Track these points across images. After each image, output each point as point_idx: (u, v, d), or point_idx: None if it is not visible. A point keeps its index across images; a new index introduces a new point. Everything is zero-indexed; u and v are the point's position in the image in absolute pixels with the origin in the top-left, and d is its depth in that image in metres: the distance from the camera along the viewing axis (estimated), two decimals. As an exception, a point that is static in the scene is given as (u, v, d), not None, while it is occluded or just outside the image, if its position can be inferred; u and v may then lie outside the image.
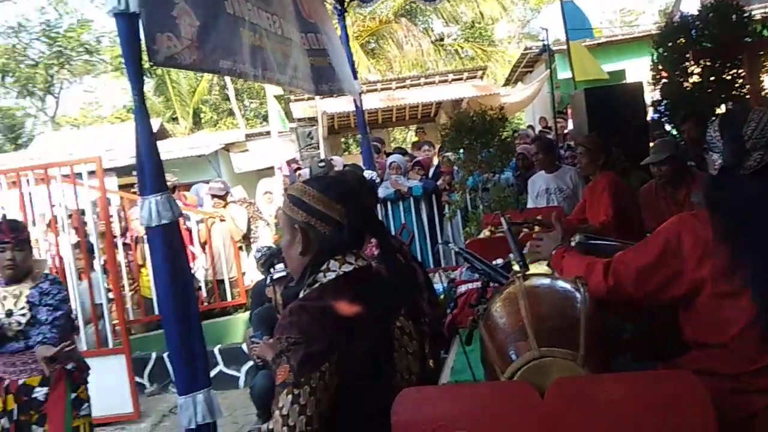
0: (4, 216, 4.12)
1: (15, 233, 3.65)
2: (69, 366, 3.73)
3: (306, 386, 1.52)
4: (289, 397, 1.52)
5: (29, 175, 6.12)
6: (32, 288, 3.69)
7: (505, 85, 17.38)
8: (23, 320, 3.60)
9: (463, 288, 3.37)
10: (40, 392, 3.66)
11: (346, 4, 5.96)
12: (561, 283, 1.90)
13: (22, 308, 3.63)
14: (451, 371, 2.48)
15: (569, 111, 10.55)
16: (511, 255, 2.52)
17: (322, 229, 1.72)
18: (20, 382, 3.66)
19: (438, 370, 2.48)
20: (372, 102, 11.94)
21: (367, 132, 6.12)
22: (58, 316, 3.66)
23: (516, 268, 2.41)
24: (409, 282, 1.78)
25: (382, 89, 12.99)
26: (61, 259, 6.30)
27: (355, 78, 5.83)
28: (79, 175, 6.13)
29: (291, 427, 1.51)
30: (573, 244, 2.42)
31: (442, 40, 21.43)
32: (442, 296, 3.81)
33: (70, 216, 6.33)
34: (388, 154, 9.51)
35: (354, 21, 16.95)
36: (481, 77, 13.68)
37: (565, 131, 10.64)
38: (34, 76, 25.55)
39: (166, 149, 11.07)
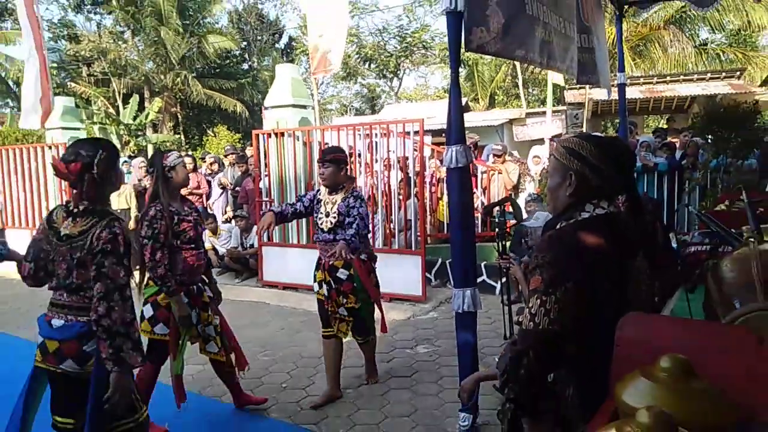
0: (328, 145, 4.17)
1: (326, 155, 3.65)
2: (362, 256, 3.73)
3: (553, 296, 1.43)
4: (538, 301, 1.45)
5: (377, 129, 6.67)
6: (343, 200, 3.66)
7: (761, 85, 14.14)
8: (333, 221, 3.62)
9: (692, 249, 2.93)
10: (342, 273, 3.68)
11: (624, 10, 5.33)
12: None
13: (335, 212, 3.64)
14: (670, 313, 2.18)
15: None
16: (745, 227, 2.10)
17: (591, 178, 1.56)
18: (330, 262, 3.70)
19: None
20: (632, 93, 10.69)
21: (626, 116, 5.50)
22: (357, 224, 3.60)
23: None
24: (650, 231, 1.55)
25: (644, 83, 11.52)
26: (390, 187, 6.82)
27: (622, 71, 5.24)
28: (408, 133, 6.49)
29: (536, 323, 1.44)
30: None
31: (705, 45, 18.03)
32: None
33: (398, 160, 6.79)
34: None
35: (627, 27, 15.08)
36: (739, 77, 11.34)
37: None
38: (388, 63, 27.48)
39: (467, 119, 11.19)
